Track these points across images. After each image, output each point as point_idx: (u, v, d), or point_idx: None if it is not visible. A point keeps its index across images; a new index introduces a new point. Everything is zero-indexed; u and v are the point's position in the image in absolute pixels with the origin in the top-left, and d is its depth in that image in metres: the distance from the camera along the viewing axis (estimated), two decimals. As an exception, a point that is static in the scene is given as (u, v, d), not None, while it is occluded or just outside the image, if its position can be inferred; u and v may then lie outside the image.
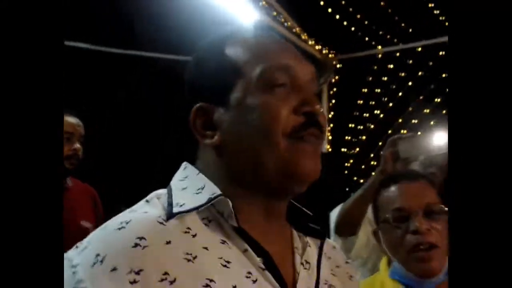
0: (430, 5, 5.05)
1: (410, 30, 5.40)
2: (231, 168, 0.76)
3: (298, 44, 5.45)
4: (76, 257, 0.65)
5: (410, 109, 5.45)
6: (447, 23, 5.01)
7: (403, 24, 5.32)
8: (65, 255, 0.68)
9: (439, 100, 5.17)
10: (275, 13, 5.25)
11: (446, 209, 1.26)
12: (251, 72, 0.76)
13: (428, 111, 5.19)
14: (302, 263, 0.78)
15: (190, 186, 0.76)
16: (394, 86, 5.61)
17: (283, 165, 0.73)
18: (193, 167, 0.80)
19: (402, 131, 4.84)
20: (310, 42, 5.69)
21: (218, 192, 0.72)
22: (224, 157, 0.77)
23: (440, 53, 5.28)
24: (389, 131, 5.29)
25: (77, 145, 2.19)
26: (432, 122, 4.83)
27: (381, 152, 2.15)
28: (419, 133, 3.20)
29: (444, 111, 4.89)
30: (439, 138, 3.66)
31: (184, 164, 0.82)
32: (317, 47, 5.82)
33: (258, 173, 0.74)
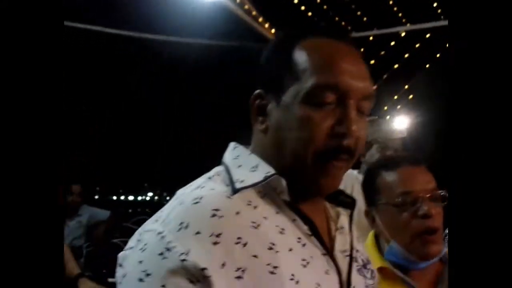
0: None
1: (365, 19, 5.52)
2: (274, 155, 0.83)
3: (254, 26, 5.44)
4: (160, 227, 0.73)
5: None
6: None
7: (359, 13, 5.42)
8: (144, 228, 0.77)
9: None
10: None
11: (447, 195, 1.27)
12: (305, 82, 0.79)
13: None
14: (337, 228, 0.88)
15: (244, 164, 0.84)
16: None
17: (306, 177, 0.81)
18: (243, 147, 0.88)
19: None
20: (265, 25, 5.69)
21: (273, 171, 0.80)
22: (269, 144, 0.84)
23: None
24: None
25: None
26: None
27: None
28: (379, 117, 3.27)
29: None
30: (399, 123, 3.80)
31: (233, 144, 0.89)
32: (272, 31, 5.83)
33: (290, 171, 0.81)
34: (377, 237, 1.39)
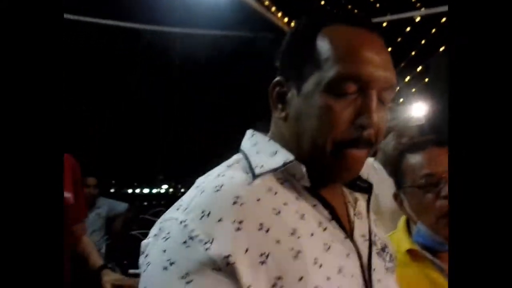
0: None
1: (378, 5, 5.46)
2: (293, 143, 0.83)
3: (266, 16, 5.42)
4: (182, 215, 0.74)
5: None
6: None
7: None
8: (165, 217, 0.77)
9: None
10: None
11: None
12: (327, 72, 0.78)
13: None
14: (355, 214, 0.89)
15: (263, 150, 0.85)
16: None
17: (325, 166, 0.81)
18: (261, 134, 0.88)
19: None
20: (278, 15, 5.66)
21: (292, 157, 0.81)
22: (288, 132, 0.84)
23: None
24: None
25: None
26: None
27: None
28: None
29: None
30: (417, 109, 3.76)
31: (251, 131, 0.89)
32: (285, 20, 5.81)
33: (309, 159, 0.81)
34: (408, 221, 1.40)
